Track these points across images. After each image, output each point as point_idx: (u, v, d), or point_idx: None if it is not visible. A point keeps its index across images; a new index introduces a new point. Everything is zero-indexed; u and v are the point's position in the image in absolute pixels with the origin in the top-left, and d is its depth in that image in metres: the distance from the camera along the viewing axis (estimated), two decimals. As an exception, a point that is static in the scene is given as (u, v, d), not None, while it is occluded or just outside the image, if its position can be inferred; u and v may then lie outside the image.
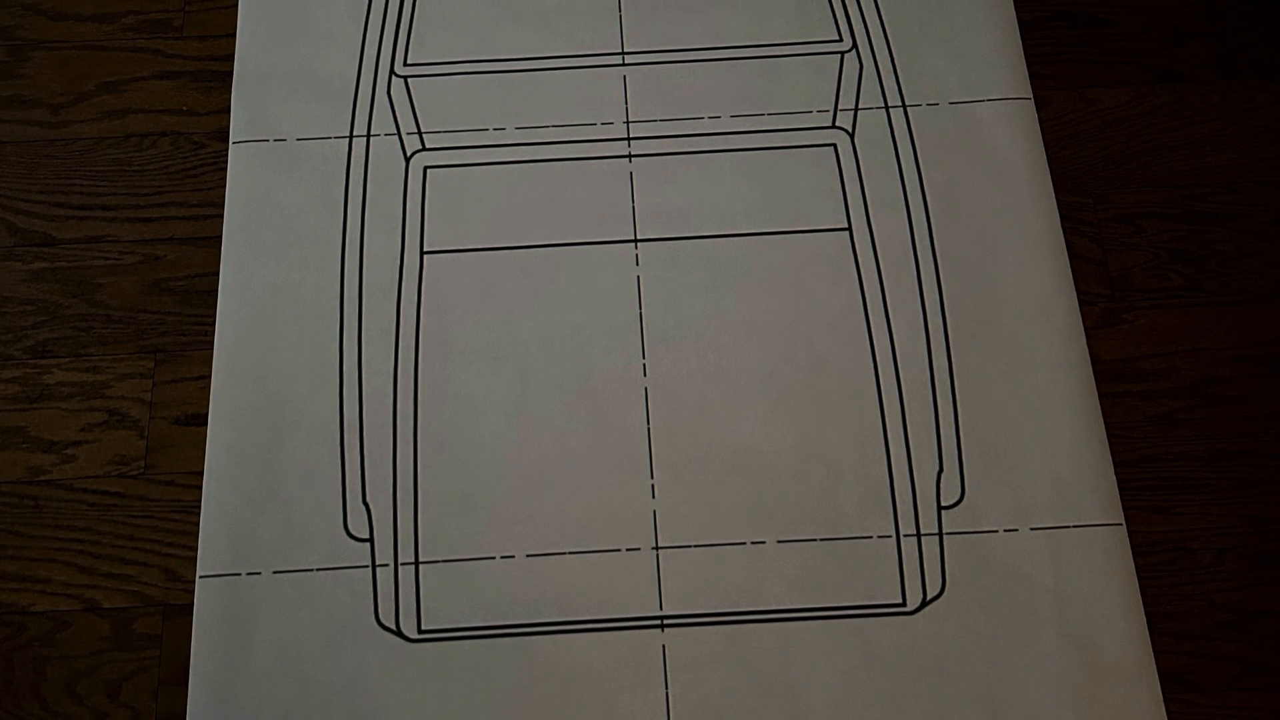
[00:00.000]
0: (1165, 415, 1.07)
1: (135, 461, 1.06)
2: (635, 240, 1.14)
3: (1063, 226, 1.14)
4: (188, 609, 1.01)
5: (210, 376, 1.08)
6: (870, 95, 1.20)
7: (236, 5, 1.25)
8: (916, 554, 1.02)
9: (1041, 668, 0.98)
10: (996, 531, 1.03)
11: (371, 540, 1.03)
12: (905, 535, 1.03)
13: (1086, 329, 1.10)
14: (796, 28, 1.24)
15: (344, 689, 0.98)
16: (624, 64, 1.22)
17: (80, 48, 1.23)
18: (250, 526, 1.03)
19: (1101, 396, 1.07)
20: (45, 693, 0.99)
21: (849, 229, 1.14)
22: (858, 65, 1.22)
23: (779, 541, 1.03)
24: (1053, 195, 1.15)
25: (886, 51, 1.22)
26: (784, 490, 1.04)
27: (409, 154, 1.18)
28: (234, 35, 1.23)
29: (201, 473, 1.05)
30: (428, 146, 1.18)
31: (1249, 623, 1.00)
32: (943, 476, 1.05)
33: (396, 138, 1.19)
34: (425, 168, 1.17)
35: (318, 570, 1.02)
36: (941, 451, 1.06)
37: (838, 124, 1.19)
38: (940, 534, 1.03)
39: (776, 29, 1.24)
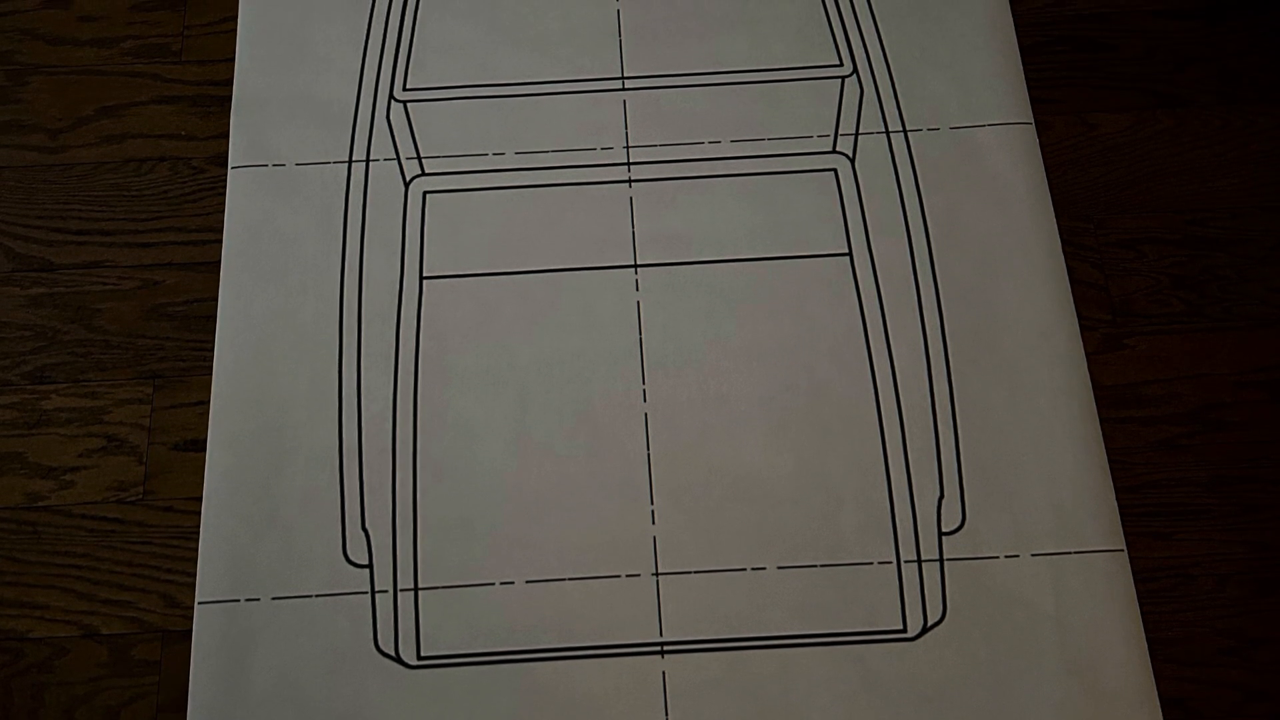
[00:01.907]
0: (1166, 441, 1.12)
1: (134, 487, 1.10)
2: (635, 265, 1.18)
3: (1064, 252, 1.18)
4: (186, 635, 1.05)
5: (209, 402, 1.13)
6: (871, 120, 1.25)
7: (235, 30, 1.30)
8: (917, 580, 1.07)
9: (1043, 694, 1.02)
10: (997, 557, 1.07)
11: (371, 566, 1.07)
12: (906, 561, 1.07)
13: (1088, 354, 1.15)
14: (797, 52, 1.29)
15: (343, 716, 1.02)
16: (624, 89, 1.27)
17: (78, 72, 1.29)
18: (249, 552, 1.07)
19: (1103, 422, 1.12)
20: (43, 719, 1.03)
21: (849, 254, 1.19)
22: (858, 90, 1.27)
23: (779, 567, 1.07)
24: (1054, 220, 1.20)
25: (887, 76, 1.28)
26: (784, 516, 1.09)
27: (408, 179, 1.23)
28: (233, 60, 1.28)
29: (200, 498, 1.09)
30: (427, 171, 1.23)
31: (1251, 649, 1.05)
32: (943, 502, 1.09)
33: (396, 163, 1.24)
34: (425, 192, 1.22)
35: (317, 596, 1.06)
36: (942, 477, 1.10)
37: (838, 149, 1.24)
38: (941, 560, 1.07)
39: (777, 54, 1.29)
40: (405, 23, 1.30)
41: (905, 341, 1.15)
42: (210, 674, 1.03)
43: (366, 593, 1.06)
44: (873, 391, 1.13)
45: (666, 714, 1.02)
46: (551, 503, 1.09)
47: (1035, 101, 1.26)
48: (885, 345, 1.15)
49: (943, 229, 1.20)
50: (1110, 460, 1.10)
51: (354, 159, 1.24)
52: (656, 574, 1.07)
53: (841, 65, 1.28)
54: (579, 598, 1.06)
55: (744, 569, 1.07)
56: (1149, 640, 1.04)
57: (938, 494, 1.09)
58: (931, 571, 1.07)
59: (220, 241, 1.20)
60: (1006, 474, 1.10)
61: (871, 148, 1.24)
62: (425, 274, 1.18)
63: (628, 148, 1.25)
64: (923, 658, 1.04)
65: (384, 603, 1.06)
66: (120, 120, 1.26)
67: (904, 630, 1.05)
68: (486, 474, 1.10)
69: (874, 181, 1.22)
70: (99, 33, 1.31)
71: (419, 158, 1.24)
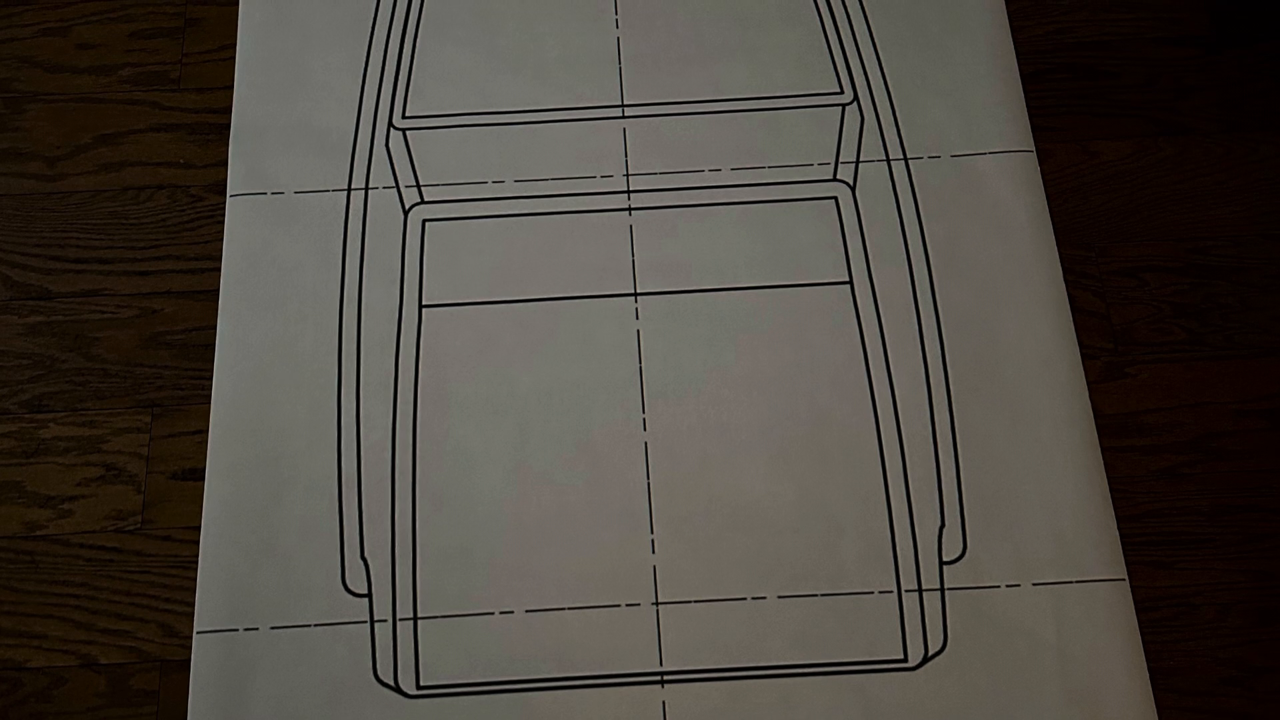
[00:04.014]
0: (1168, 470, 1.17)
1: (132, 516, 1.15)
2: (635, 294, 1.23)
3: (1065, 280, 1.23)
4: (185, 665, 1.09)
5: (207, 431, 1.17)
6: (871, 148, 1.31)
7: (234, 57, 1.35)
8: (918, 609, 1.11)
9: (1044, 724, 1.07)
10: (999, 587, 1.12)
11: (370, 596, 1.12)
12: (907, 590, 1.12)
13: (1089, 383, 1.19)
14: (797, 80, 1.34)
15: (342, 745, 1.07)
16: (624, 116, 1.33)
17: (77, 100, 1.34)
18: (248, 582, 1.12)
19: (1104, 451, 1.16)
20: (41, 749, 1.08)
21: (850, 282, 1.24)
22: (859, 118, 1.32)
23: (780, 597, 1.12)
24: (1055, 248, 1.25)
25: (888, 104, 1.33)
26: (785, 545, 1.13)
27: (407, 207, 1.28)
28: (231, 87, 1.33)
29: (199, 528, 1.14)
30: (426, 199, 1.28)
31: (1253, 678, 1.09)
32: (944, 531, 1.14)
33: (395, 191, 1.29)
34: (424, 221, 1.27)
35: (315, 626, 1.10)
36: (943, 506, 1.15)
37: (839, 177, 1.29)
38: (942, 589, 1.12)
39: (777, 81, 1.34)
40: (404, 50, 1.36)
41: (906, 370, 1.20)
42: (209, 704, 1.08)
43: (365, 622, 1.11)
44: (873, 420, 1.18)
45: (666, 744, 1.07)
46: (551, 532, 1.14)
47: (1036, 129, 1.31)
48: (886, 374, 1.20)
49: (944, 257, 1.25)
50: (1112, 489, 1.15)
51: (353, 187, 1.29)
52: (656, 603, 1.11)
53: (842, 93, 1.34)
54: (579, 627, 1.10)
55: (744, 598, 1.12)
56: (1151, 670, 1.08)
57: (939, 523, 1.14)
58: (932, 601, 1.11)
59: (219, 270, 1.25)
60: (1007, 503, 1.14)
61: (872, 175, 1.29)
62: (424, 302, 1.23)
63: (627, 175, 1.30)
64: (924, 687, 1.08)
65: (383, 632, 1.10)
66: (118, 148, 1.32)
67: (905, 660, 1.09)
68: (486, 503, 1.15)
69: (875, 209, 1.28)
70: (97, 60, 1.36)
71: (418, 186, 1.29)
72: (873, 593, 1.12)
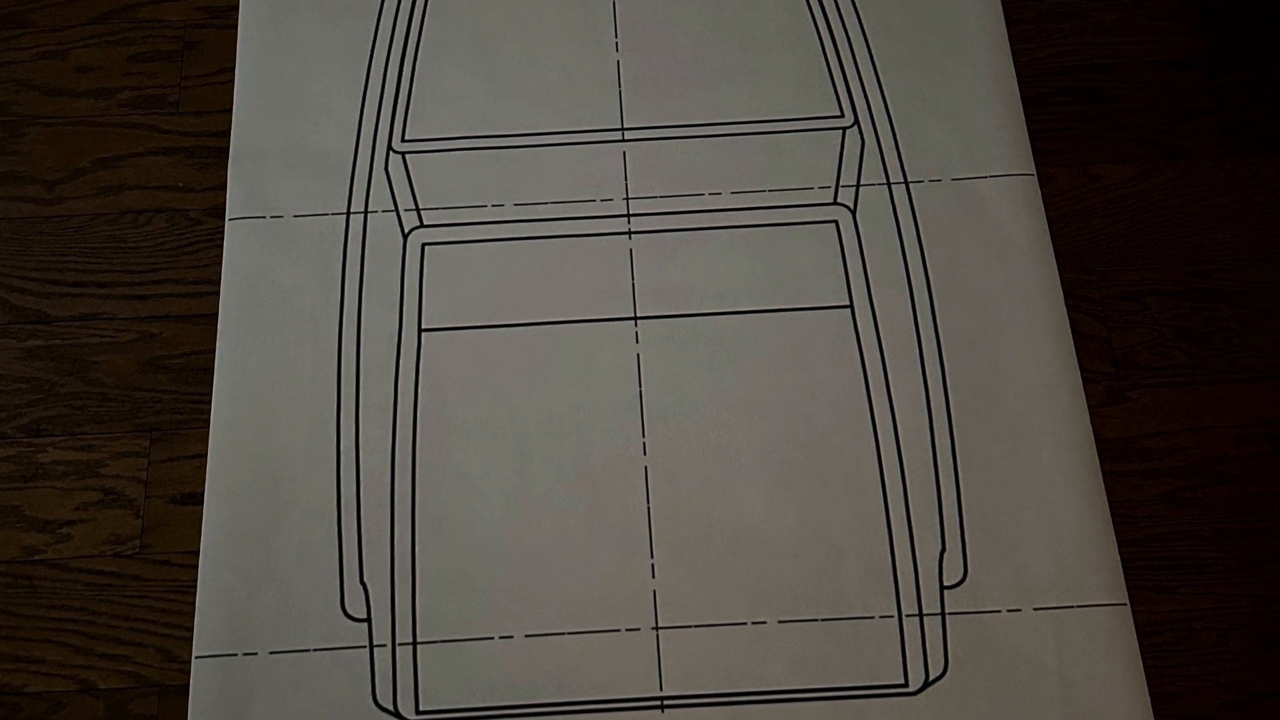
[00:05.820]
0: (1169, 494, 1.20)
1: (131, 541, 1.19)
2: (635, 318, 1.27)
3: (1066, 304, 1.27)
4: (184, 690, 1.13)
5: (206, 455, 1.21)
6: (872, 171, 1.35)
7: (233, 81, 1.39)
8: (919, 634, 1.14)
9: (1045, 749, 1.10)
10: (999, 612, 1.15)
11: (369, 620, 1.15)
12: (907, 615, 1.15)
13: (1090, 407, 1.23)
14: (798, 103, 1.38)
15: (341, 770, 1.10)
16: (624, 140, 1.36)
17: (75, 123, 1.38)
18: (247, 606, 1.15)
19: (1105, 475, 1.19)
20: (39, 775, 1.11)
21: (850, 306, 1.28)
22: (859, 141, 1.36)
23: (780, 621, 1.15)
24: (1056, 272, 1.29)
25: (889, 127, 1.37)
26: (785, 570, 1.17)
27: (407, 231, 1.32)
28: (230, 111, 1.37)
29: (197, 552, 1.17)
30: (426, 223, 1.32)
31: (1254, 703, 1.12)
32: (945, 556, 1.17)
33: (394, 214, 1.33)
34: (423, 244, 1.31)
35: (315, 651, 1.14)
36: (944, 531, 1.18)
37: (839, 200, 1.33)
38: (943, 614, 1.15)
39: (778, 104, 1.38)
40: (404, 73, 1.40)
41: (906, 394, 1.24)
42: (207, 729, 1.11)
43: (365, 647, 1.14)
44: (874, 444, 1.22)
45: (666, 769, 1.10)
46: (551, 556, 1.17)
47: (1037, 153, 1.34)
48: (886, 398, 1.24)
49: (944, 281, 1.29)
50: (1113, 513, 1.18)
51: (352, 210, 1.32)
52: (656, 628, 1.14)
53: (842, 116, 1.37)
54: (578, 652, 1.13)
55: (744, 623, 1.15)
56: (1152, 695, 1.11)
57: (939, 547, 1.17)
58: (933, 625, 1.14)
59: (217, 294, 1.28)
60: (1008, 527, 1.18)
61: (873, 199, 1.33)
62: (424, 326, 1.27)
63: (627, 199, 1.33)
64: (924, 713, 1.11)
65: (382, 657, 1.14)
66: (117, 171, 1.36)
67: (905, 685, 1.12)
68: (485, 527, 1.18)
69: (875, 233, 1.31)
70: (96, 84, 1.40)
71: (417, 209, 1.33)
72: (873, 617, 1.15)
